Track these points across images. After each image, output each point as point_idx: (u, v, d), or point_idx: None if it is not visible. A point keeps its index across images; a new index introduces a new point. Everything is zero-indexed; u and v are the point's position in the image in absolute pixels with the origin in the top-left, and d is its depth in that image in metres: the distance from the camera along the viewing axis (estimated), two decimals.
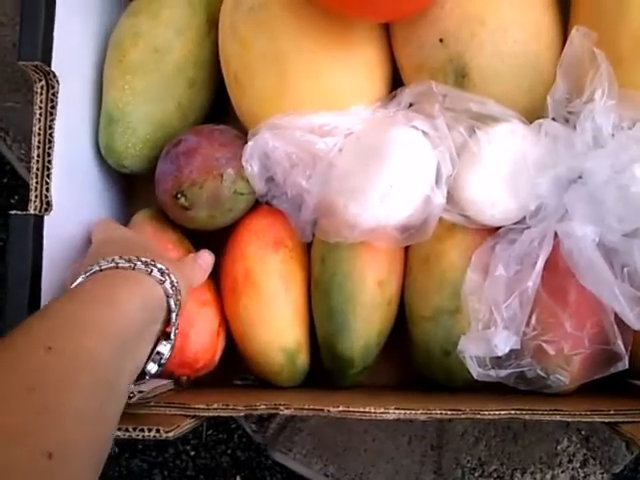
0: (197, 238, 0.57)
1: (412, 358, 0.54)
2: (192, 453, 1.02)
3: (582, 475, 0.59)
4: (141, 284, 0.40)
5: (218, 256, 0.55)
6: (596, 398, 0.49)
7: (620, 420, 0.45)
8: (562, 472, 0.59)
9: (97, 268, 0.41)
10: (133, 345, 0.39)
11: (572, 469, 0.59)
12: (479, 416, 0.45)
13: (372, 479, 0.60)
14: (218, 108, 0.59)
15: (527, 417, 0.45)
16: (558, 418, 0.45)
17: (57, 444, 0.29)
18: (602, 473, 0.60)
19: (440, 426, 0.60)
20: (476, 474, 0.60)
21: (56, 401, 0.31)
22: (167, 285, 0.41)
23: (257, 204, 0.55)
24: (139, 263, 0.41)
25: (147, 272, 0.41)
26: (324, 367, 0.54)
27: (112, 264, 0.41)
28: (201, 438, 1.02)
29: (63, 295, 0.39)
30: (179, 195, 0.51)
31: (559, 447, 0.59)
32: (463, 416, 0.45)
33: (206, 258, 0.52)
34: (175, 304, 0.42)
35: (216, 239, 0.56)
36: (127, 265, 0.41)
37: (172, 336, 0.43)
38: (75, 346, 0.33)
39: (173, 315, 0.42)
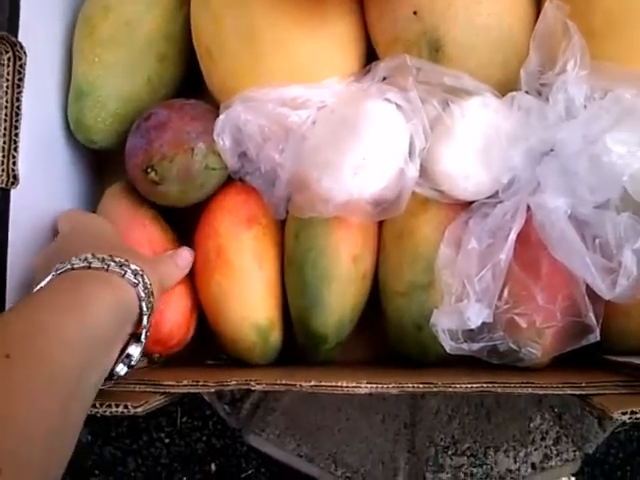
0: (171, 215, 0.56)
1: (385, 334, 0.54)
2: (166, 440, 1.01)
3: (555, 452, 0.60)
4: (113, 287, 0.39)
5: (191, 233, 0.55)
6: (568, 372, 0.49)
7: (591, 392, 0.45)
8: (535, 450, 0.60)
9: (69, 267, 0.39)
10: (101, 354, 0.38)
11: (545, 447, 0.60)
12: (451, 389, 0.45)
13: (346, 458, 0.60)
14: (190, 83, 0.58)
15: (499, 390, 0.45)
16: (530, 391, 0.45)
17: (6, 458, 0.28)
18: (574, 451, 0.60)
19: (413, 404, 0.60)
20: (449, 452, 0.60)
21: (9, 412, 0.29)
22: (140, 288, 0.40)
23: (231, 181, 0.55)
24: (113, 264, 0.40)
25: (120, 274, 0.40)
26: (297, 344, 0.54)
27: (84, 263, 0.39)
28: (175, 425, 1.01)
29: (29, 297, 0.38)
30: (149, 169, 0.50)
31: (532, 424, 0.59)
32: (435, 389, 0.45)
33: (185, 257, 0.51)
34: (147, 307, 0.41)
35: (190, 216, 0.55)
36: (100, 266, 0.39)
37: (142, 338, 0.42)
38: (36, 355, 0.32)
39: (145, 318, 0.41)
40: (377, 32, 0.52)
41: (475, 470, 0.60)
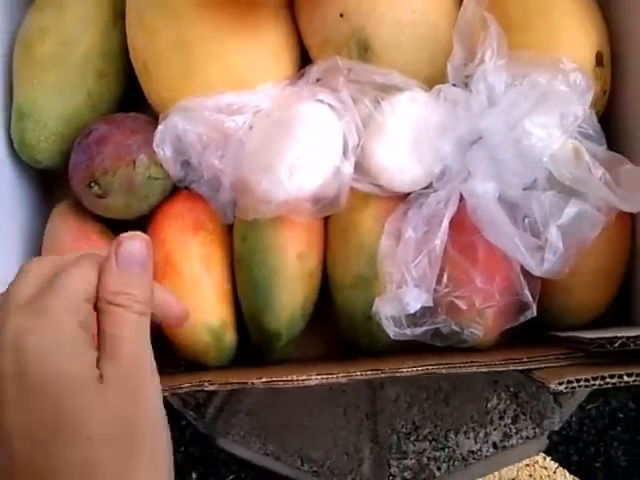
0: (121, 228, 0.57)
1: (337, 326, 0.55)
2: None
3: (514, 431, 0.61)
4: None
5: None
6: (512, 349, 0.51)
7: (533, 367, 0.47)
8: (494, 429, 0.61)
9: None
10: None
11: (504, 426, 0.61)
12: (398, 374, 0.46)
13: (311, 453, 0.62)
14: (131, 98, 0.59)
15: (444, 371, 0.46)
16: (474, 369, 0.46)
17: None
18: (534, 428, 0.62)
19: (373, 394, 0.61)
20: (411, 438, 0.61)
21: None
22: None
23: (177, 190, 0.56)
24: None
25: None
26: (252, 343, 0.55)
27: None
28: None
29: None
30: (92, 184, 0.51)
31: (489, 405, 0.61)
32: (383, 375, 0.47)
33: None
34: None
35: (140, 227, 0.56)
36: None
37: None
38: None
39: None
40: (308, 36, 0.54)
41: (438, 454, 0.61)
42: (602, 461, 0.98)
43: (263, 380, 0.47)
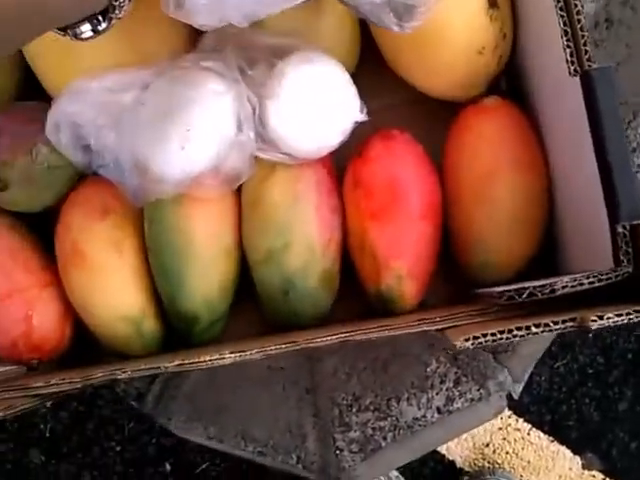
0: (31, 221, 0.56)
1: (259, 304, 0.54)
2: (118, 448, 1.01)
3: (457, 394, 0.60)
4: None
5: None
6: (427, 310, 0.50)
7: (446, 326, 0.45)
8: (436, 394, 0.60)
9: None
10: None
11: (446, 389, 0.60)
12: (312, 344, 0.45)
13: (253, 433, 0.60)
14: (34, 90, 0.57)
15: (357, 337, 0.45)
16: (387, 333, 0.45)
17: None
18: (478, 389, 0.61)
19: (310, 368, 0.60)
20: (353, 409, 0.60)
21: None
22: None
23: (86, 176, 0.54)
24: None
25: None
26: (174, 329, 0.54)
27: None
28: (124, 432, 1.01)
29: None
30: None
31: (429, 369, 0.60)
32: (297, 347, 0.46)
33: None
34: None
35: (48, 220, 0.55)
36: None
37: None
38: None
39: None
40: None
41: (382, 424, 0.60)
42: (575, 419, 0.98)
43: (175, 363, 0.46)
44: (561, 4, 0.44)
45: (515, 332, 0.41)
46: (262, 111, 0.48)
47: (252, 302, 0.55)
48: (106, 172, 0.52)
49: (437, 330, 0.46)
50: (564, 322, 0.41)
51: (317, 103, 0.48)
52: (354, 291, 0.54)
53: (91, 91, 0.49)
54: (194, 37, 0.53)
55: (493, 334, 0.41)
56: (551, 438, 0.97)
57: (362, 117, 0.49)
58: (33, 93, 0.56)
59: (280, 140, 0.49)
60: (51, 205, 0.54)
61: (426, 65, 0.50)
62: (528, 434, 0.97)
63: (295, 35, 0.49)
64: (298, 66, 0.47)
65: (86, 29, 0.37)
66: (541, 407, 0.98)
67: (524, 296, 0.43)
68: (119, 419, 1.00)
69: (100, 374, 0.47)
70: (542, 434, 0.98)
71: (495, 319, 0.45)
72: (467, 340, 0.41)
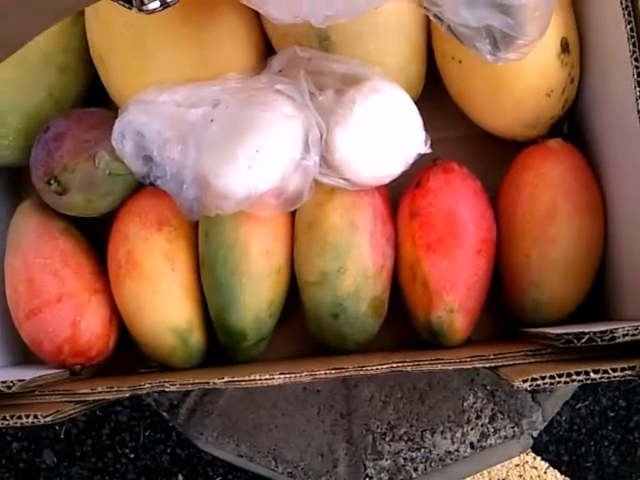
0: (86, 226, 0.56)
1: (306, 326, 0.54)
2: (131, 455, 1.01)
3: (492, 430, 0.60)
4: None
5: (107, 243, 0.55)
6: (481, 346, 0.50)
7: (499, 364, 0.45)
8: (471, 429, 0.60)
9: None
10: None
11: (481, 425, 0.60)
12: (362, 372, 0.45)
13: (285, 454, 0.60)
14: (98, 95, 0.58)
15: (409, 368, 0.45)
16: (439, 367, 0.45)
17: None
18: (512, 427, 0.60)
19: (347, 393, 0.60)
20: (387, 438, 0.60)
21: None
22: None
23: (143, 186, 0.55)
24: None
25: None
26: (220, 343, 0.54)
27: None
28: (139, 439, 1.01)
29: None
30: (51, 181, 0.50)
31: (465, 404, 0.60)
32: (347, 373, 0.45)
33: None
34: None
35: (104, 226, 0.55)
36: None
37: None
38: None
39: None
40: (269, 26, 0.53)
41: (414, 454, 0.60)
42: (593, 461, 0.97)
43: (225, 380, 0.46)
44: (637, 54, 0.44)
45: (574, 377, 0.41)
46: (330, 137, 0.48)
47: (294, 323, 0.56)
48: (164, 184, 0.53)
49: (490, 368, 0.45)
50: (623, 370, 0.41)
51: (384, 133, 0.48)
52: (399, 318, 0.54)
53: (160, 103, 0.49)
54: (263, 58, 0.54)
55: (552, 377, 0.41)
56: (567, 479, 0.97)
57: (426, 149, 0.50)
58: (97, 100, 0.57)
59: (345, 166, 0.49)
60: (106, 212, 0.54)
61: (493, 103, 0.51)
62: (545, 473, 0.97)
63: (364, 62, 0.50)
64: (369, 95, 0.48)
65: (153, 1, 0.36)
66: (560, 447, 0.97)
67: (583, 341, 0.42)
68: (136, 426, 0.99)
69: (148, 385, 0.47)
70: (559, 474, 0.97)
71: (549, 361, 0.45)
72: (525, 381, 0.41)
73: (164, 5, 0.37)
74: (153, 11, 0.37)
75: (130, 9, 0.37)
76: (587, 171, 0.51)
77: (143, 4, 0.37)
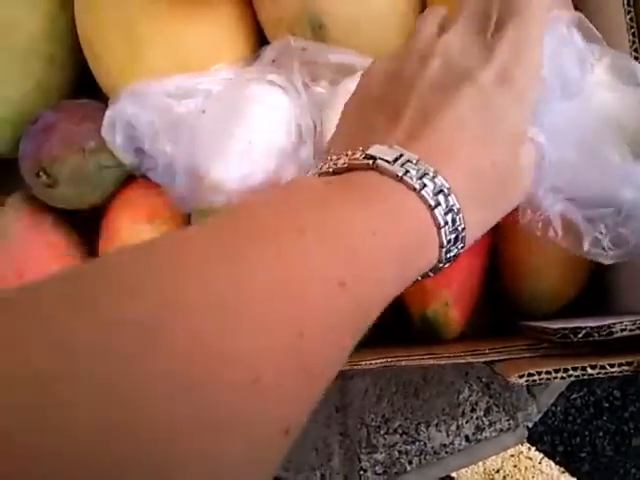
0: (76, 218, 0.55)
1: None
2: None
3: (487, 423, 0.60)
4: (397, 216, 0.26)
5: (98, 236, 0.54)
6: (476, 341, 0.49)
7: (494, 359, 0.45)
8: (466, 422, 0.59)
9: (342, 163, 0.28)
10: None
11: (476, 418, 0.60)
12: (356, 366, 0.45)
13: None
14: (88, 85, 0.57)
15: (403, 363, 0.45)
16: (432, 362, 0.45)
17: None
18: (508, 420, 0.60)
19: (342, 387, 0.60)
20: (382, 432, 0.59)
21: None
22: (439, 212, 0.28)
23: (134, 178, 0.54)
24: (412, 171, 0.26)
25: (417, 188, 0.26)
26: None
27: (364, 161, 0.27)
28: None
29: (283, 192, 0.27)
30: (40, 173, 0.49)
31: (461, 397, 0.59)
32: (342, 367, 0.45)
33: None
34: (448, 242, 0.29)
35: (95, 219, 0.54)
36: (391, 170, 0.26)
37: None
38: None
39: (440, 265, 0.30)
40: (262, 13, 0.52)
41: (409, 447, 0.60)
42: (587, 451, 0.97)
43: None
44: (636, 45, 0.44)
45: (571, 372, 0.40)
46: (326, 128, 0.47)
47: None
48: (155, 175, 0.52)
49: (485, 362, 0.45)
50: (620, 365, 0.40)
51: None
52: (393, 312, 0.54)
53: (151, 94, 0.48)
54: (256, 48, 0.53)
55: (548, 372, 0.40)
56: (562, 469, 0.97)
57: None
58: (86, 91, 0.56)
59: None
60: (97, 204, 0.53)
61: None
62: (539, 463, 0.97)
63: (359, 52, 0.49)
64: None
65: None
66: (554, 437, 0.97)
67: (580, 336, 0.42)
68: None
69: None
70: (553, 464, 0.97)
71: (544, 355, 0.44)
72: (521, 377, 0.40)
73: None
74: None
75: None
76: None
77: None
